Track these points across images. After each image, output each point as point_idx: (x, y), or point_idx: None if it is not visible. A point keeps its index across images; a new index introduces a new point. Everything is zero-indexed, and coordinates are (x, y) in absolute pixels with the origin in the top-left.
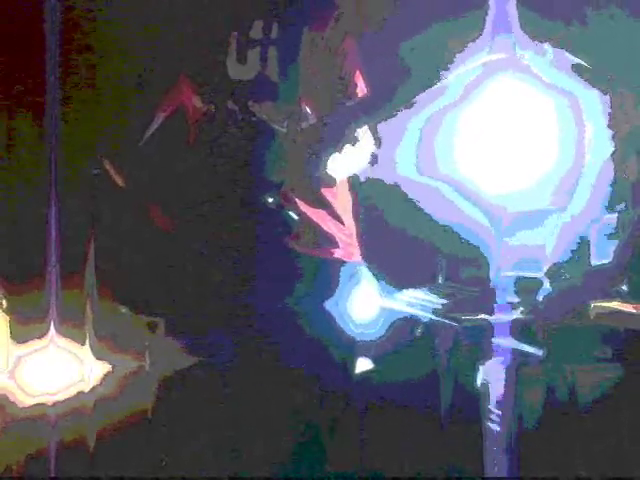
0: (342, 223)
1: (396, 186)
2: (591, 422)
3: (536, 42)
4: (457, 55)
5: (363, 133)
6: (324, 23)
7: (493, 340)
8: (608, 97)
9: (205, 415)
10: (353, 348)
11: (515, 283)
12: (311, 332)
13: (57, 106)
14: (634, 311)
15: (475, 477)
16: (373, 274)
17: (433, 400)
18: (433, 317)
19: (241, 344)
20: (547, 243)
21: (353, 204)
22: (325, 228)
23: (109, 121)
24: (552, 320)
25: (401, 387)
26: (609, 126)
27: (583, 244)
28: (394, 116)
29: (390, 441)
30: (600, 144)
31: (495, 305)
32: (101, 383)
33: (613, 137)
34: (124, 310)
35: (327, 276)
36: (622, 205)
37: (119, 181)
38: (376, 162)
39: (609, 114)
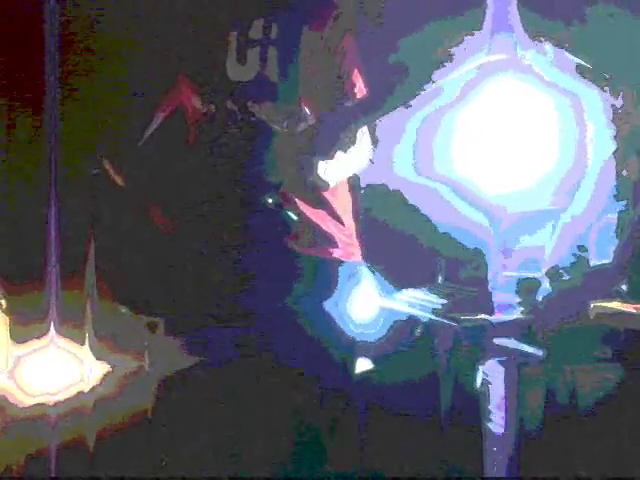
0: (342, 223)
1: (395, 187)
2: (591, 422)
3: (536, 42)
4: (456, 55)
5: (361, 133)
6: (324, 23)
7: (493, 340)
8: (609, 97)
9: (205, 415)
10: (353, 348)
11: (515, 283)
12: (311, 332)
13: (57, 106)
14: (634, 311)
15: (475, 477)
16: (373, 274)
17: (433, 400)
18: (433, 317)
19: (241, 344)
20: (547, 243)
21: (353, 204)
22: (325, 228)
23: (109, 121)
24: (552, 320)
25: (401, 387)
26: (610, 126)
27: (583, 244)
28: (392, 116)
29: (390, 441)
30: (601, 144)
31: (495, 305)
32: (101, 383)
33: (614, 137)
34: (124, 310)
35: (327, 276)
36: (622, 205)
37: (119, 181)
38: (375, 162)
39: (610, 114)
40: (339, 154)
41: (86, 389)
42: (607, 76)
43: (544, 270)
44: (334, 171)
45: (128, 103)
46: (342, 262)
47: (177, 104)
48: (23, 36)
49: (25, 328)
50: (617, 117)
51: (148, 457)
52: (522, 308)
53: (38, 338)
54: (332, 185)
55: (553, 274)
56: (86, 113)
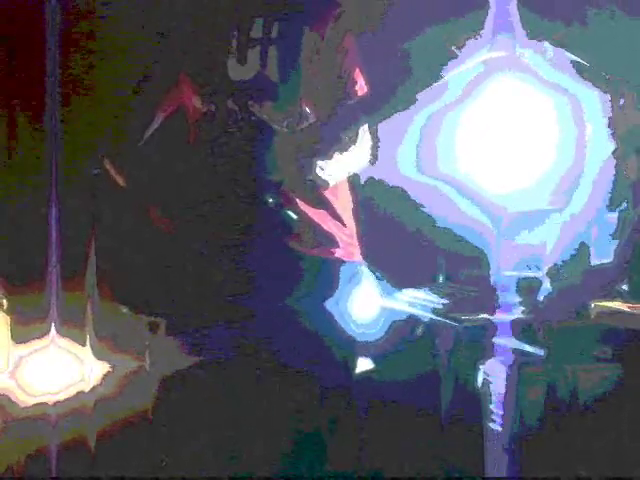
0: (342, 223)
1: (396, 185)
2: (591, 422)
3: (536, 41)
4: (457, 54)
5: (363, 132)
6: (325, 22)
7: (494, 340)
8: (608, 96)
9: (205, 415)
10: (353, 348)
11: (515, 283)
12: (311, 332)
13: (57, 106)
14: (634, 311)
15: (475, 477)
16: (373, 274)
17: (433, 400)
18: (433, 317)
19: (241, 344)
20: (547, 243)
21: (353, 204)
22: (325, 228)
23: (109, 121)
24: (552, 320)
25: (401, 387)
26: (609, 125)
27: (583, 244)
28: (394, 115)
29: (390, 441)
30: (600, 143)
31: (495, 305)
32: (101, 383)
33: (613, 136)
34: (125, 310)
35: (327, 276)
36: (622, 204)
37: (119, 181)
38: (376, 161)
39: (609, 113)
40: (340, 153)
41: (87, 389)
42: (607, 76)
43: (545, 269)
44: (335, 170)
45: (128, 103)
46: (343, 262)
47: (178, 104)
48: (23, 36)
49: (26, 328)
50: (616, 117)
51: (148, 457)
52: (523, 307)
53: (39, 338)
54: (332, 184)
55: (554, 273)
56: (87, 113)
